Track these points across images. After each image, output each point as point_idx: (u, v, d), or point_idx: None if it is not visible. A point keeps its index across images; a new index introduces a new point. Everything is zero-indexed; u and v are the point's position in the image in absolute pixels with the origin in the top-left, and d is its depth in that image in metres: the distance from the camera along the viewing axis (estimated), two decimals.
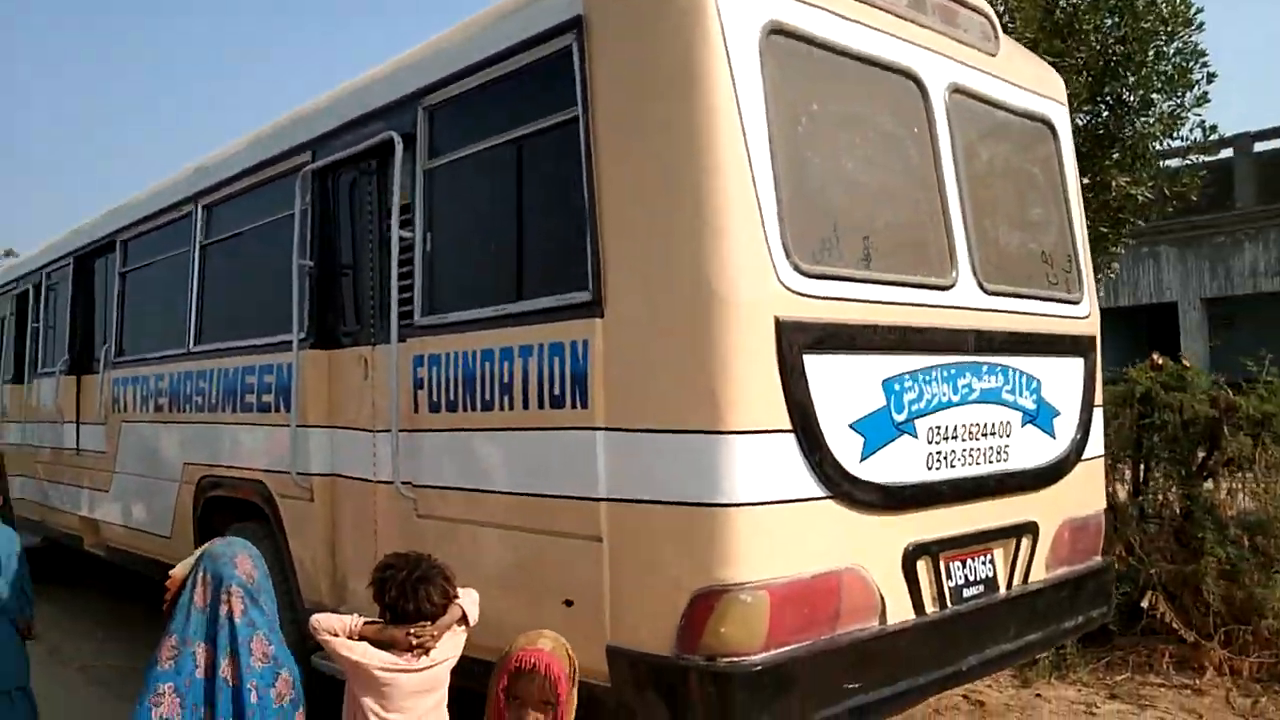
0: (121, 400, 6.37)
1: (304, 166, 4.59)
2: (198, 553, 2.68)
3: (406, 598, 2.75)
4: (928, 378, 3.39)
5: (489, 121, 3.69)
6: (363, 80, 4.46)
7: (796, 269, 3.00)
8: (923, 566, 3.37)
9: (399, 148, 3.97)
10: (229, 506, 5.15)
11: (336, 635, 2.81)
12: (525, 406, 3.39)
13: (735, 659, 2.82)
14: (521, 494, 3.41)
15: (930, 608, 3.40)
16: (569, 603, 3.19)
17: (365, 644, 2.77)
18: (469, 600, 2.93)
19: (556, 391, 3.26)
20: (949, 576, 3.49)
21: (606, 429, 3.09)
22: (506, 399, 3.47)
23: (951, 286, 3.58)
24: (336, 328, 4.52)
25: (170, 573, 2.66)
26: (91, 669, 6.45)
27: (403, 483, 3.86)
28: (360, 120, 4.30)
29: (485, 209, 3.84)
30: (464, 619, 2.89)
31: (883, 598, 3.22)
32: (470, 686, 3.05)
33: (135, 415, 6.18)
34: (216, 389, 5.19)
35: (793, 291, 2.99)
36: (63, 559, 8.19)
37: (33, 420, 8.17)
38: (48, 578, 8.36)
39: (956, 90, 3.80)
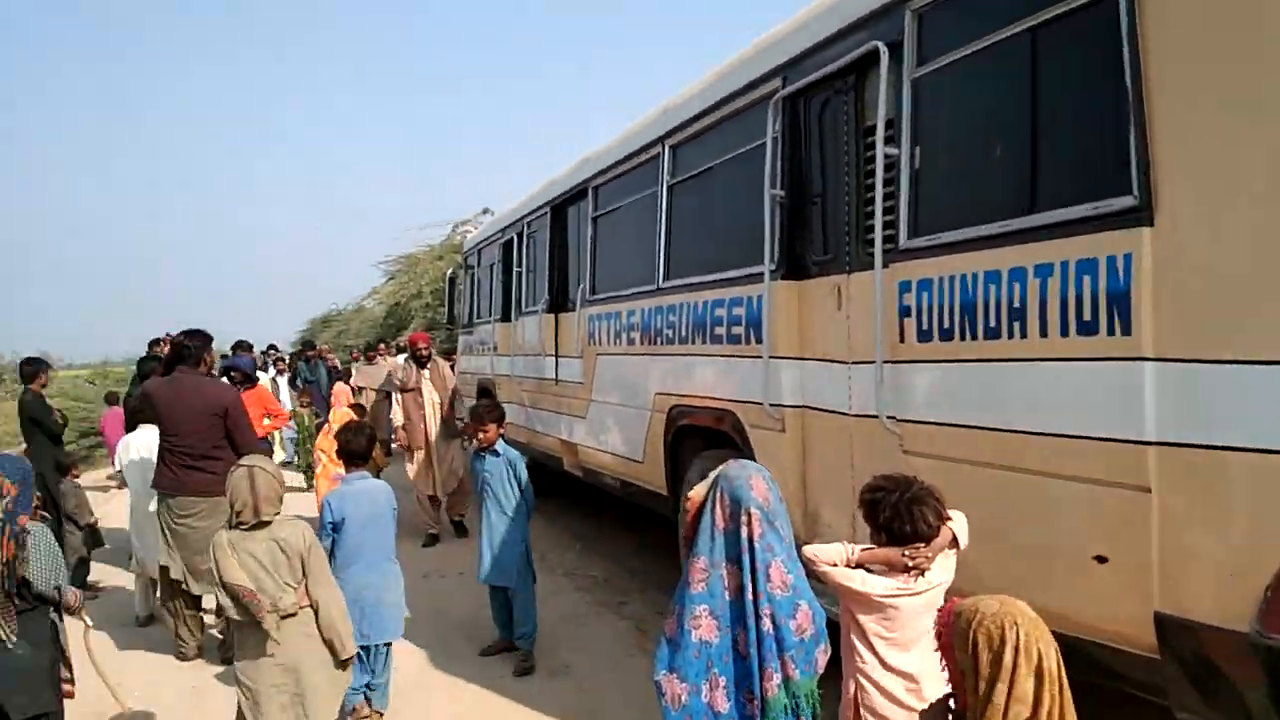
0: (596, 335, 6.90)
1: (774, 94, 4.50)
2: (713, 474, 2.68)
3: (902, 519, 2.67)
4: None
5: (994, 14, 3.27)
6: None
7: None
8: None
9: (884, 58, 3.70)
10: (699, 434, 5.33)
11: (835, 565, 2.75)
12: (1042, 334, 2.99)
13: None
14: (1036, 433, 3.02)
15: None
16: (1101, 559, 2.77)
17: (862, 571, 2.72)
18: (959, 523, 2.77)
19: (1086, 316, 2.82)
20: None
21: (1157, 359, 2.60)
22: (1016, 325, 3.09)
23: None
24: (807, 257, 4.41)
25: (688, 494, 2.69)
26: (573, 575, 7.16)
27: (888, 417, 3.66)
28: (836, 36, 4.08)
29: (986, 114, 3.43)
30: (955, 542, 2.75)
31: None
32: None
33: (609, 349, 6.65)
34: (686, 322, 5.37)
35: None
36: (545, 477, 9.19)
37: (519, 354, 9.21)
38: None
39: None
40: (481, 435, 5.36)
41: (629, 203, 6.50)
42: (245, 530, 3.52)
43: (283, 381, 13.86)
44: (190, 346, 5.53)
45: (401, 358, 14.24)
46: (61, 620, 3.80)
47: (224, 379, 8.29)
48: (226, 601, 3.48)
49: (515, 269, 9.37)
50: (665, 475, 5.73)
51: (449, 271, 14.49)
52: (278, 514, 3.59)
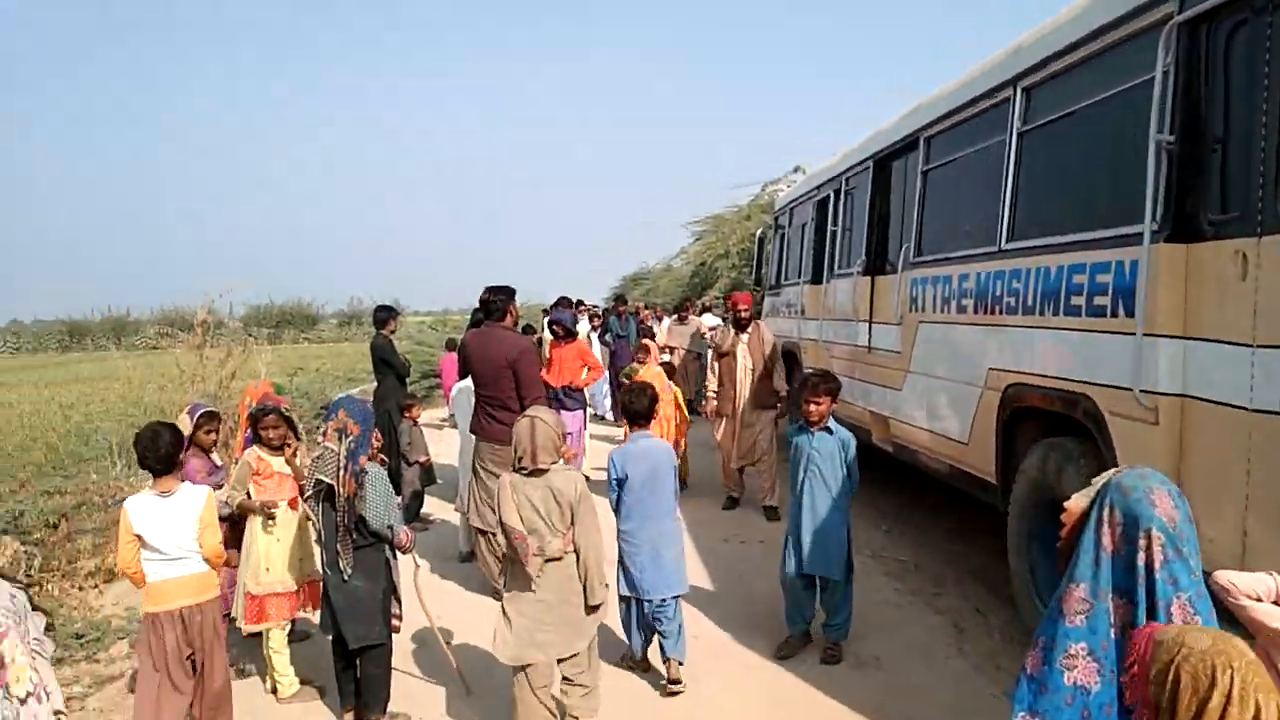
0: (919, 300, 6.35)
1: (1168, 20, 3.75)
2: (1098, 483, 2.21)
3: None
4: None
5: None
6: None
7: None
8: None
9: None
10: (1038, 418, 4.72)
11: (1259, 600, 2.22)
12: None
13: None
14: None
15: None
16: None
17: None
18: None
19: None
20: None
21: None
22: None
23: None
24: (1200, 216, 3.66)
25: (1066, 505, 2.24)
26: (881, 558, 6.73)
27: None
28: None
29: None
30: None
31: None
32: None
33: (933, 316, 6.10)
34: (1033, 289, 4.72)
35: None
36: None
37: (828, 318, 8.81)
38: None
39: None
40: (814, 407, 4.83)
41: (967, 154, 5.86)
42: (525, 475, 3.72)
43: (594, 336, 14.35)
44: (495, 301, 5.76)
45: (707, 318, 14.27)
46: (395, 558, 4.04)
47: (547, 332, 8.68)
48: (502, 539, 3.72)
49: (829, 228, 8.93)
50: (995, 461, 5.15)
51: (757, 232, 14.30)
52: (554, 463, 3.75)
